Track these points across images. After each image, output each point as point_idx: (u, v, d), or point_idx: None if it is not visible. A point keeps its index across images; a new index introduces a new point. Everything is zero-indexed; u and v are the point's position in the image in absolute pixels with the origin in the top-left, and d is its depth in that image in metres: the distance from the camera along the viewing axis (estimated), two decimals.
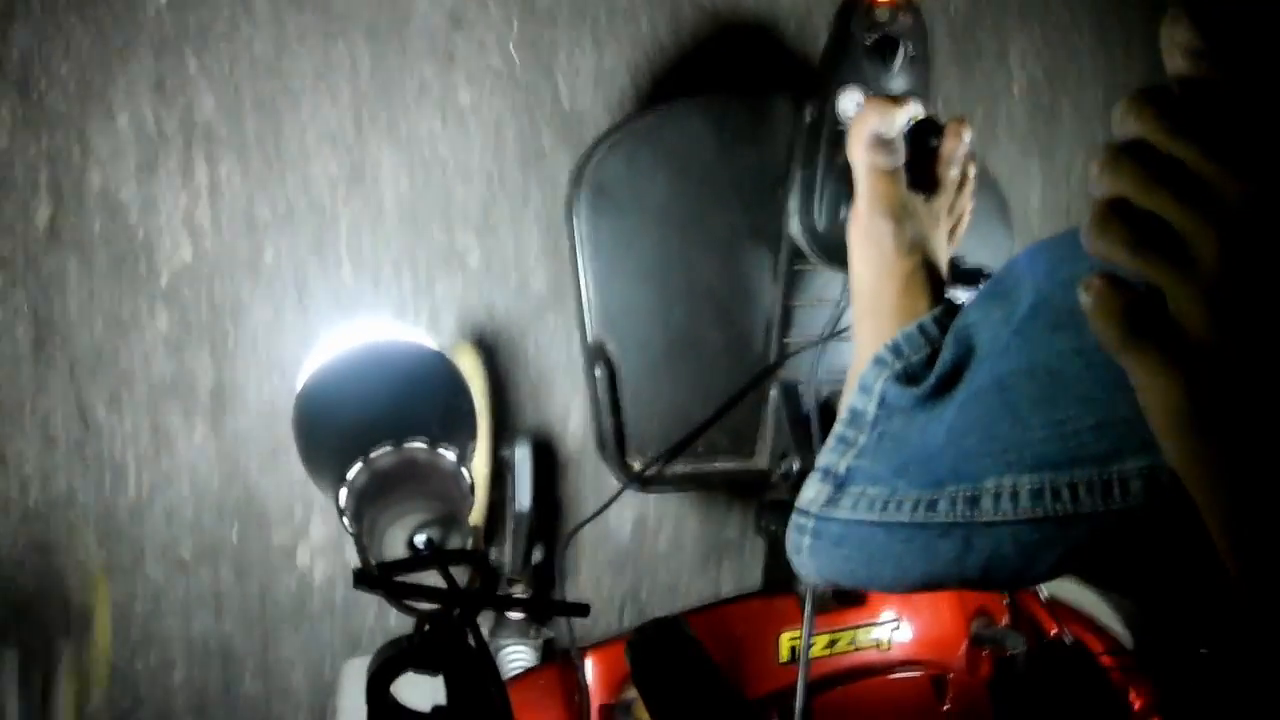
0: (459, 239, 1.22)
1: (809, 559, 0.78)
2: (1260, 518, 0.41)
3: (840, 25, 0.98)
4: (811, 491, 0.77)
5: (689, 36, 1.29)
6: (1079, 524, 0.58)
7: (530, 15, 1.23)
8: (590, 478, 1.30)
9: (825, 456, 0.77)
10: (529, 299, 1.25)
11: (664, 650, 0.85)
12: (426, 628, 0.65)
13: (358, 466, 0.70)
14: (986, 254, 1.05)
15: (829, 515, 0.74)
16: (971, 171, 0.93)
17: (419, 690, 0.62)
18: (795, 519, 0.79)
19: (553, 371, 1.27)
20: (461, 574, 0.66)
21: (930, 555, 0.67)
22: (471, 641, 0.64)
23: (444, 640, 0.64)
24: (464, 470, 0.71)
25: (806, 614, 1.00)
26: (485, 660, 0.64)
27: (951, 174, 0.91)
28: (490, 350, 1.23)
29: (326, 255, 1.18)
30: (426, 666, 0.63)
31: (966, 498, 0.63)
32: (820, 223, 1.00)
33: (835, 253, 1.02)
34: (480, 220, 1.23)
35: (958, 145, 0.91)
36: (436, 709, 0.61)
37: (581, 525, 1.17)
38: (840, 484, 0.74)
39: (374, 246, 1.19)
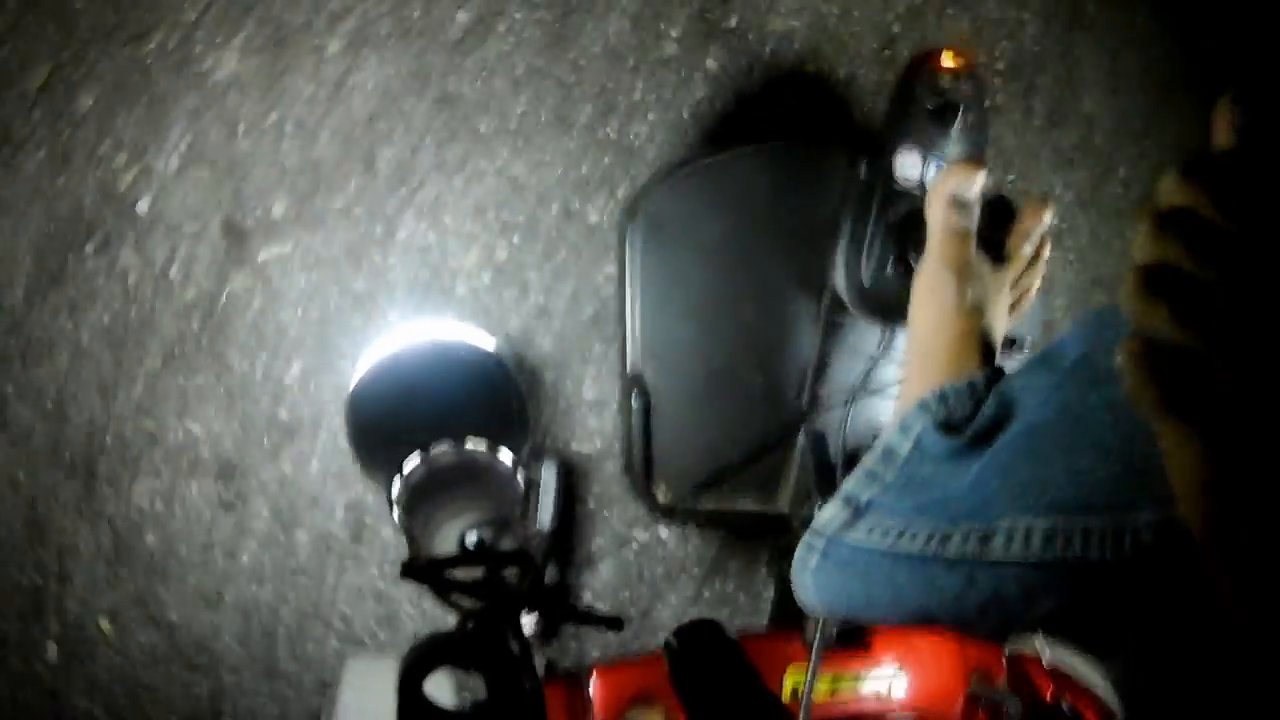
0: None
1: (811, 578, 0.79)
2: None
3: (904, 88, 1.01)
4: (829, 514, 0.79)
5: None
6: (1085, 572, 0.59)
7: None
8: (609, 502, 1.31)
9: (850, 485, 0.79)
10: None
11: (703, 650, 0.85)
12: (469, 624, 0.66)
13: (415, 461, 0.72)
14: (1014, 323, 1.07)
15: (841, 539, 0.76)
16: (1045, 251, 0.95)
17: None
18: (807, 538, 0.80)
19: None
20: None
21: (932, 588, 0.68)
22: (513, 642, 0.65)
23: (487, 638, 0.64)
24: (519, 474, 0.73)
25: (813, 654, 1.01)
26: (526, 660, 0.65)
27: (1025, 249, 0.93)
28: (524, 367, 1.24)
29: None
30: (466, 663, 0.63)
31: (979, 535, 0.64)
32: (865, 277, 1.02)
33: (876, 307, 1.05)
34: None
35: (1036, 223, 0.93)
36: (476, 705, 0.62)
37: (601, 550, 1.18)
38: (858, 512, 0.76)
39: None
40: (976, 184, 0.88)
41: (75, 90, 1.11)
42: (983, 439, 0.69)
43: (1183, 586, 0.55)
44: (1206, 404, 0.42)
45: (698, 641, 0.84)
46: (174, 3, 1.13)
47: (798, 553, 0.81)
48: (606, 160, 1.28)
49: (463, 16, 1.22)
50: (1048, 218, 0.93)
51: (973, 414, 0.74)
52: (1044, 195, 0.93)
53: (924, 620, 0.72)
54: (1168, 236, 0.44)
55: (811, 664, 1.01)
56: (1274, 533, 0.42)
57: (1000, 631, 0.70)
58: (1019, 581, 0.63)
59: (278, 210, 1.19)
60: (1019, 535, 0.62)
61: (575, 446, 1.29)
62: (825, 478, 1.08)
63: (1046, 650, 1.15)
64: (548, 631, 1.13)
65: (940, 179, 0.90)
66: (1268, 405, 0.41)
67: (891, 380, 1.10)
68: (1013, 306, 0.95)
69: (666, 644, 0.90)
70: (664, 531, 1.34)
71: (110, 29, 1.12)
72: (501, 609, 0.65)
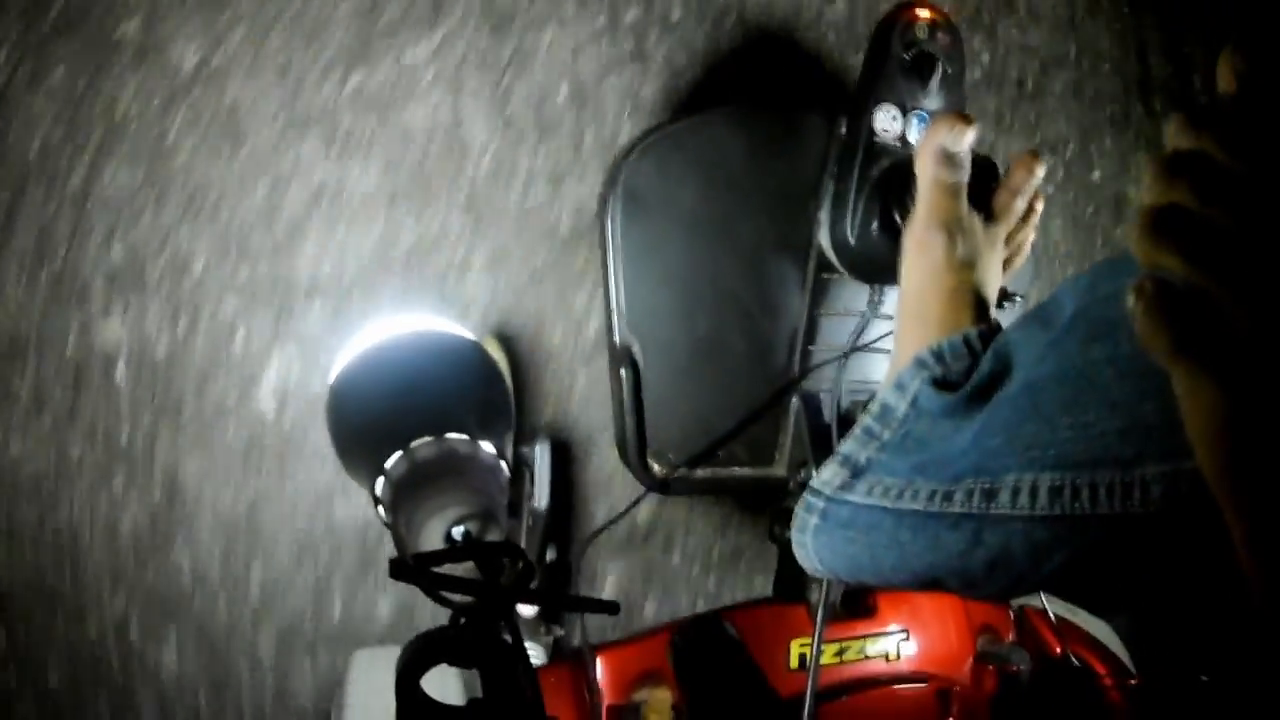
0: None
1: (812, 539, 0.79)
2: None
3: (879, 41, 0.99)
4: (828, 474, 0.78)
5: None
6: (1093, 526, 0.58)
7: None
8: (606, 478, 1.30)
9: (848, 445, 0.78)
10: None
11: (707, 650, 0.84)
12: (462, 620, 0.65)
13: (397, 457, 0.70)
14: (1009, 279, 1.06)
15: (841, 498, 0.75)
16: (1038, 207, 0.94)
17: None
18: (807, 498, 0.79)
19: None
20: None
21: (936, 547, 0.67)
22: (507, 636, 0.64)
23: (480, 634, 0.63)
24: (503, 464, 0.71)
25: (818, 622, 1.01)
26: (520, 655, 0.64)
27: (1016, 205, 0.92)
28: (512, 346, 1.23)
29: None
30: (461, 660, 0.62)
31: (984, 491, 0.63)
32: (851, 235, 1.01)
33: (864, 265, 1.03)
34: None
35: (1027, 177, 0.91)
36: (473, 702, 0.61)
37: (603, 528, 1.17)
38: (857, 472, 0.75)
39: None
40: (967, 137, 0.86)
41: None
42: (980, 395, 0.69)
43: (1192, 538, 0.54)
44: (1220, 345, 0.42)
45: (702, 640, 0.84)
46: (96, 590, 1.14)
47: (797, 513, 0.81)
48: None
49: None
50: (1039, 172, 0.91)
51: (969, 370, 0.73)
52: (1034, 151, 0.91)
53: (931, 582, 0.71)
54: (1175, 179, 0.44)
55: (816, 630, 1.00)
56: None
57: (1008, 592, 0.70)
58: (1026, 537, 0.62)
59: None
60: (1025, 489, 0.61)
61: (568, 424, 1.28)
62: (820, 439, 1.07)
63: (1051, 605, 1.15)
64: (549, 615, 1.12)
65: (929, 132, 0.89)
66: None
67: (882, 337, 1.09)
68: (1006, 263, 0.94)
69: (671, 641, 0.89)
70: (658, 503, 1.33)
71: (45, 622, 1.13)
72: (494, 603, 0.64)
